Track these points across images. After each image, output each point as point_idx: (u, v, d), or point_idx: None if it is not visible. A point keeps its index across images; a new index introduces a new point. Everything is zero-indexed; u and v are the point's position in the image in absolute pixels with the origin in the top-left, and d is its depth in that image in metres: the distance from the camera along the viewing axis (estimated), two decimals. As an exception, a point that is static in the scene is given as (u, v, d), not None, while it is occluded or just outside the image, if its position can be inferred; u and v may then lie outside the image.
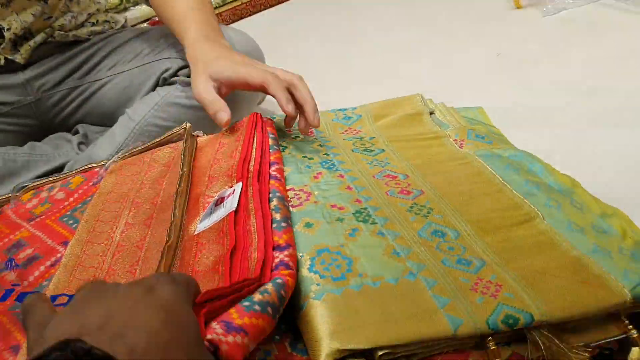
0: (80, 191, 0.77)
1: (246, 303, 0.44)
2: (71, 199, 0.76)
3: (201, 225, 0.60)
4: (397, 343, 0.46)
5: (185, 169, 0.69)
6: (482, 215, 0.61)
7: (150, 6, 1.07)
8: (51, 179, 0.81)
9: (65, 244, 0.66)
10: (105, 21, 1.19)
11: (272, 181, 0.64)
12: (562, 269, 0.54)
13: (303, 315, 0.49)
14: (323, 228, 0.58)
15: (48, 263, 0.64)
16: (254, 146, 0.70)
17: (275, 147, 0.72)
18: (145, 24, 1.55)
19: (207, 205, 0.63)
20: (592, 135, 1.06)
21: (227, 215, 0.57)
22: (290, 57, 1.63)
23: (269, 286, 0.47)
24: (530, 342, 0.49)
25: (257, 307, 0.44)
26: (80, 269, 0.61)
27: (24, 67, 1.10)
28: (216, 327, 0.41)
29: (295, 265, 0.51)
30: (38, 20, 1.06)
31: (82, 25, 1.15)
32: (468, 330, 0.47)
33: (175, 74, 1.03)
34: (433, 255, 0.54)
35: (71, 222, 0.71)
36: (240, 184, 0.62)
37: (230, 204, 0.59)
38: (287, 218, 0.58)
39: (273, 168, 0.67)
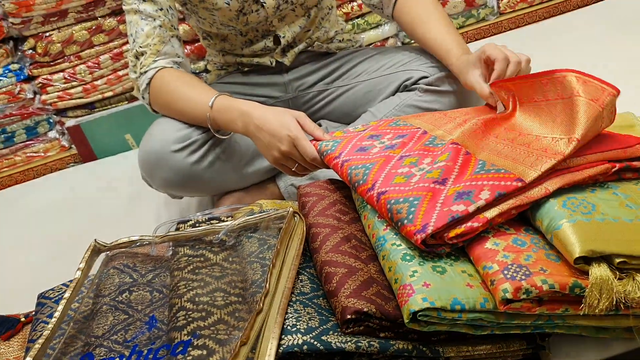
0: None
1: None
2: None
3: None
4: (632, 254, 0.64)
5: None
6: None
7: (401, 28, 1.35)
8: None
9: None
10: (349, 40, 1.48)
11: None
12: None
13: (558, 233, 0.68)
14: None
15: None
16: None
17: None
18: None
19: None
20: None
21: None
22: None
23: None
24: None
25: None
26: None
27: (287, 70, 1.40)
28: None
29: None
30: (302, 31, 1.36)
31: (331, 40, 1.44)
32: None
33: (415, 82, 1.27)
34: (659, 211, 0.71)
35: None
36: None
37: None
38: None
39: None
